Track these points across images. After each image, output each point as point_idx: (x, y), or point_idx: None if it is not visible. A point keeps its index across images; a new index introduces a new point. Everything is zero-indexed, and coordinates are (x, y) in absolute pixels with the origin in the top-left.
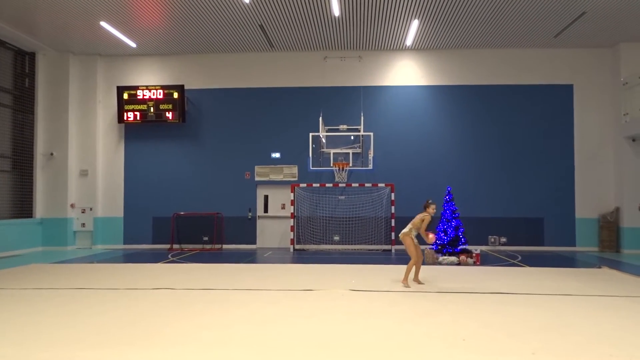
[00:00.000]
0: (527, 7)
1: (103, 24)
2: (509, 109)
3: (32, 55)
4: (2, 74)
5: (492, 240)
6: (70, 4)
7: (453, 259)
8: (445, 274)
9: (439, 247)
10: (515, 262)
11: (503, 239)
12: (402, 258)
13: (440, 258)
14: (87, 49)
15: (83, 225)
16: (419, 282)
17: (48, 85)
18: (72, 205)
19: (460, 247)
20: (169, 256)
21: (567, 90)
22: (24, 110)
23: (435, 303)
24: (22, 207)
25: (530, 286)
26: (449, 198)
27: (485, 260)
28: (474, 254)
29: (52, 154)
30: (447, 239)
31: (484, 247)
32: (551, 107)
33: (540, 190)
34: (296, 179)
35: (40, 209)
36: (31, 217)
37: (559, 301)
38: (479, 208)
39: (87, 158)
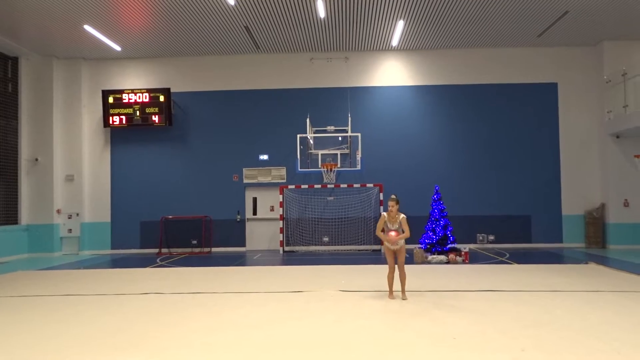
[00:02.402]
0: (511, 6)
1: (87, 27)
2: (495, 108)
3: (15, 60)
4: None
5: (481, 238)
6: (53, 8)
7: (442, 257)
8: (435, 273)
9: (428, 246)
10: (503, 259)
11: (491, 237)
12: None
13: (430, 257)
14: (71, 53)
15: (70, 230)
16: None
17: (32, 90)
18: (59, 211)
19: (449, 245)
20: (158, 260)
21: (551, 89)
22: (7, 116)
23: (425, 302)
24: (7, 213)
25: (518, 283)
26: (437, 197)
27: (474, 258)
28: (462, 252)
29: (37, 160)
30: (435, 237)
31: (472, 246)
32: (536, 105)
33: (527, 188)
34: (284, 180)
35: (25, 215)
36: (16, 223)
37: (547, 297)
38: (467, 207)
39: (72, 163)
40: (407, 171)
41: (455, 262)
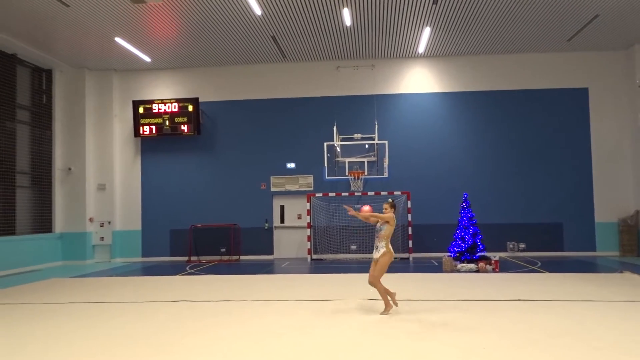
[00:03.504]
0: (539, 11)
1: (118, 39)
2: (524, 114)
3: (49, 72)
4: (20, 91)
5: (511, 246)
6: (86, 22)
7: (471, 266)
8: (464, 282)
9: (457, 254)
10: (535, 268)
11: (522, 245)
12: (420, 266)
13: (459, 265)
14: (102, 64)
15: (102, 239)
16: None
17: (65, 101)
18: (91, 219)
19: (479, 254)
20: (187, 268)
21: (582, 94)
22: (41, 127)
23: (454, 311)
24: (42, 222)
25: (550, 292)
26: (466, 205)
27: (504, 266)
28: (492, 261)
29: (70, 169)
30: (465, 246)
31: (502, 254)
32: (566, 111)
33: (558, 195)
34: (312, 188)
35: (59, 223)
36: (50, 231)
37: (580, 307)
38: (497, 214)
39: (104, 172)
40: (434, 178)
41: (485, 271)
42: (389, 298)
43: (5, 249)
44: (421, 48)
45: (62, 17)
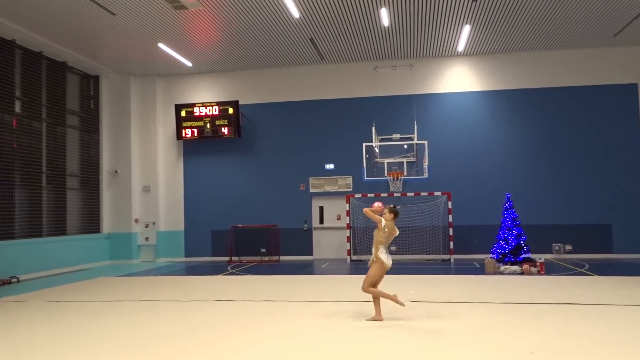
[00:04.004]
0: (584, 5)
1: (161, 45)
2: (569, 112)
3: (96, 79)
4: (70, 97)
5: (557, 248)
6: (131, 29)
7: (515, 268)
8: (508, 284)
9: (500, 256)
10: (582, 270)
11: (568, 247)
12: (461, 268)
13: (502, 267)
14: (146, 70)
15: (147, 239)
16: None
17: (111, 106)
18: (136, 220)
19: (523, 256)
20: (229, 268)
21: (630, 90)
22: (90, 131)
23: (499, 314)
24: (91, 223)
25: (599, 296)
26: (509, 205)
27: (550, 269)
28: (537, 263)
29: (116, 172)
30: (508, 247)
31: (548, 256)
32: (614, 107)
33: (606, 195)
34: (351, 189)
35: (107, 224)
36: (99, 232)
37: (630, 313)
38: (541, 215)
39: (149, 174)
40: (475, 178)
41: (530, 273)
42: (397, 298)
43: (57, 249)
44: (460, 46)
45: (108, 26)
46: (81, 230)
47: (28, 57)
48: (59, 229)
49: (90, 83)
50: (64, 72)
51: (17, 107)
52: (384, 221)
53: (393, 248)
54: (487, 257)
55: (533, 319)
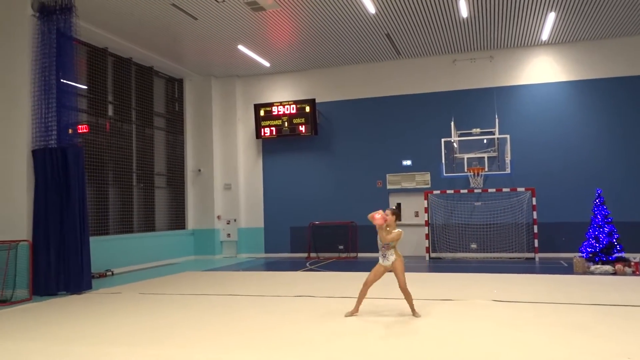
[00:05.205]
0: None
1: (240, 47)
2: None
3: (180, 82)
4: (156, 100)
5: None
6: (212, 32)
7: (607, 267)
8: (599, 285)
9: (590, 255)
10: None
11: None
12: (548, 267)
13: (592, 267)
14: (226, 71)
15: (228, 235)
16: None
17: (194, 108)
18: (219, 217)
19: (616, 255)
20: (307, 264)
21: None
22: (175, 132)
23: (589, 316)
24: (177, 219)
25: None
26: (599, 201)
27: None
28: (632, 263)
29: (200, 170)
30: (599, 246)
31: None
32: None
33: None
34: (429, 185)
35: (191, 221)
36: (184, 228)
37: None
38: (636, 211)
39: (230, 173)
40: (562, 173)
41: (624, 274)
42: (354, 312)
43: (146, 244)
44: (545, 35)
45: (191, 30)
46: (168, 227)
47: (119, 63)
48: (148, 225)
49: (175, 86)
50: (151, 77)
51: (110, 111)
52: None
53: (474, 246)
54: (576, 256)
55: (628, 323)
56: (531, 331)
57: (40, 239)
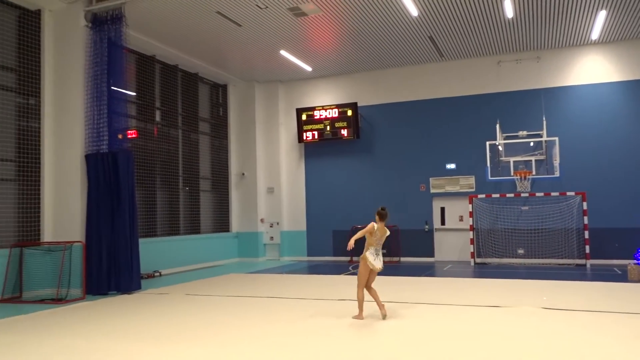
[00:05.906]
0: None
1: (283, 52)
2: None
3: (224, 87)
4: (201, 105)
5: None
6: (255, 38)
7: None
8: None
9: None
10: None
11: None
12: (600, 274)
13: None
14: (269, 76)
15: (271, 238)
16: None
17: (238, 113)
18: (262, 220)
19: None
20: (350, 268)
21: None
22: (219, 136)
23: None
24: (221, 222)
25: None
26: None
27: None
28: None
29: (243, 174)
30: None
31: None
32: None
33: None
34: (474, 189)
35: (235, 223)
36: (228, 231)
37: None
38: None
39: (272, 176)
40: (615, 177)
41: None
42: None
43: (192, 246)
44: (595, 34)
45: (234, 37)
46: (213, 229)
47: (166, 70)
48: (194, 228)
49: (219, 91)
50: (196, 83)
51: (157, 117)
52: (376, 225)
53: (521, 251)
54: (631, 263)
55: None
56: (585, 341)
57: (93, 241)
